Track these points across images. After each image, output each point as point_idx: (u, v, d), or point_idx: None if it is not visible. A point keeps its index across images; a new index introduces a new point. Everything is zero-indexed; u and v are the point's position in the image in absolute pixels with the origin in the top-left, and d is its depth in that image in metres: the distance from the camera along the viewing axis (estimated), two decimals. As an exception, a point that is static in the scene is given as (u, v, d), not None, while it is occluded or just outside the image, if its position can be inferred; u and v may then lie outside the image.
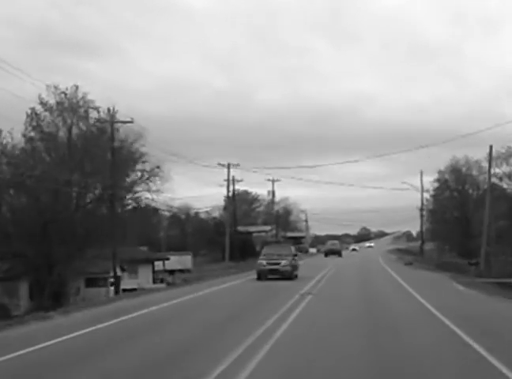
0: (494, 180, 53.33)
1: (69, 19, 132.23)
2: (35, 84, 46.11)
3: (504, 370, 10.43)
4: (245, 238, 77.93)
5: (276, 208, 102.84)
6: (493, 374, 10.34)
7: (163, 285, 47.77)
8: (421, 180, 74.10)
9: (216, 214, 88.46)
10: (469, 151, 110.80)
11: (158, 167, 54.69)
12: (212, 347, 12.96)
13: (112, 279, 42.08)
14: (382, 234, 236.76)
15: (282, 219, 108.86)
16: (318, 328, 16.29)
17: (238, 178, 71.26)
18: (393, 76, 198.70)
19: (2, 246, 39.51)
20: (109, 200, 42.73)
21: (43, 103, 42.38)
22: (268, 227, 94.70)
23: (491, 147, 47.35)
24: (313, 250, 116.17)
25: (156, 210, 64.93)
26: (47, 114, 42.89)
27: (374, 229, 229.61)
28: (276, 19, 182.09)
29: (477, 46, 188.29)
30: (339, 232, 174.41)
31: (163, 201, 58.57)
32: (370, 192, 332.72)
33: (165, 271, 59.64)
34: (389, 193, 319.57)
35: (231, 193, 70.41)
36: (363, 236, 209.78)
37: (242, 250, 70.92)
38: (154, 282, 54.85)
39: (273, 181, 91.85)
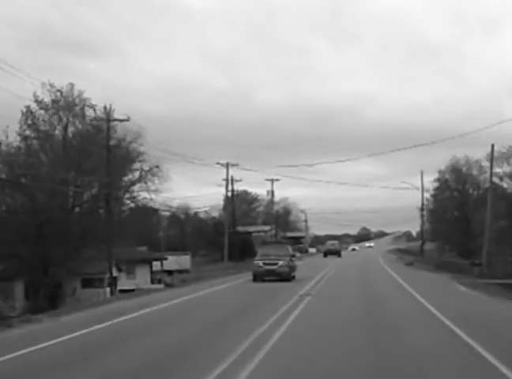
0: (494, 180, 52.98)
1: (69, 19, 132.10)
2: (34, 83, 45.68)
3: (504, 370, 10.32)
4: (244, 238, 77.47)
5: (275, 207, 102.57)
6: (493, 374, 10.23)
7: (161, 286, 47.29)
8: (421, 180, 73.86)
9: (215, 214, 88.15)
10: (469, 150, 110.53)
11: (157, 167, 54.47)
12: (212, 348, 12.86)
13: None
14: (381, 234, 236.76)
15: (282, 219, 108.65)
16: (318, 328, 16.20)
17: (237, 177, 70.93)
18: (393, 76, 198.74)
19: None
20: (104, 199, 42.23)
21: (38, 101, 42.00)
22: (267, 227, 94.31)
23: (492, 145, 46.96)
24: (312, 250, 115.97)
25: (155, 210, 64.66)
26: (42, 112, 42.53)
27: (374, 229, 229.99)
28: (276, 19, 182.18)
29: (477, 46, 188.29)
30: (339, 232, 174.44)
31: (162, 201, 58.35)
32: (370, 192, 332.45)
33: (163, 271, 59.20)
34: (389, 193, 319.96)
35: (230, 193, 70.13)
36: (363, 236, 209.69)
37: (242, 250, 70.43)
38: (152, 282, 54.40)
39: (273, 180, 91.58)
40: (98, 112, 43.69)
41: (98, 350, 13.15)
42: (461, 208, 68.71)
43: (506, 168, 57.61)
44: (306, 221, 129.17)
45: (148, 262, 57.71)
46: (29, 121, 42.17)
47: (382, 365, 11.03)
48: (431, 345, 13.12)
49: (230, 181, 68.15)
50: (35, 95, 41.64)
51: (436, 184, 71.91)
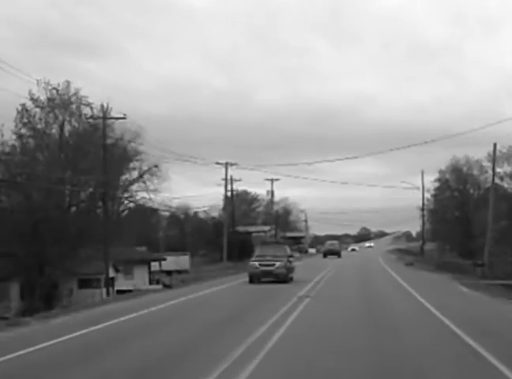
0: (495, 180, 52.53)
1: (69, 19, 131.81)
2: (30, 81, 45.21)
3: (504, 370, 10.29)
4: (244, 238, 77.12)
5: (275, 208, 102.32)
6: (493, 374, 10.22)
7: (159, 286, 46.86)
8: (422, 179, 73.56)
9: (215, 214, 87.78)
10: (469, 150, 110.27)
11: (156, 166, 54.17)
12: (211, 348, 12.80)
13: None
14: (381, 234, 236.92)
15: (281, 219, 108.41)
16: (318, 328, 16.18)
17: (236, 177, 70.55)
18: (393, 76, 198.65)
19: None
20: (101, 198, 41.75)
21: (33, 99, 41.47)
22: (267, 227, 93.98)
23: (495, 144, 46.66)
24: (312, 250, 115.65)
25: (154, 210, 64.33)
26: (38, 110, 42.01)
27: (374, 229, 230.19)
28: (276, 19, 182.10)
29: (477, 46, 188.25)
30: (339, 232, 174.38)
31: (162, 201, 57.98)
32: (371, 192, 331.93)
33: (162, 271, 58.78)
34: (389, 193, 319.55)
35: (229, 193, 69.77)
36: (363, 236, 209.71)
37: (241, 250, 69.99)
38: (150, 283, 53.97)
39: (272, 180, 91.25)
40: (95, 111, 43.29)
41: (95, 351, 12.84)
42: (461, 208, 68.45)
43: (507, 168, 57.43)
44: (306, 221, 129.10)
45: (147, 262, 57.27)
46: (25, 120, 41.70)
47: (382, 365, 11.01)
48: (431, 345, 13.08)
49: (229, 181, 67.93)
50: (30, 93, 41.24)
51: (437, 184, 71.73)
